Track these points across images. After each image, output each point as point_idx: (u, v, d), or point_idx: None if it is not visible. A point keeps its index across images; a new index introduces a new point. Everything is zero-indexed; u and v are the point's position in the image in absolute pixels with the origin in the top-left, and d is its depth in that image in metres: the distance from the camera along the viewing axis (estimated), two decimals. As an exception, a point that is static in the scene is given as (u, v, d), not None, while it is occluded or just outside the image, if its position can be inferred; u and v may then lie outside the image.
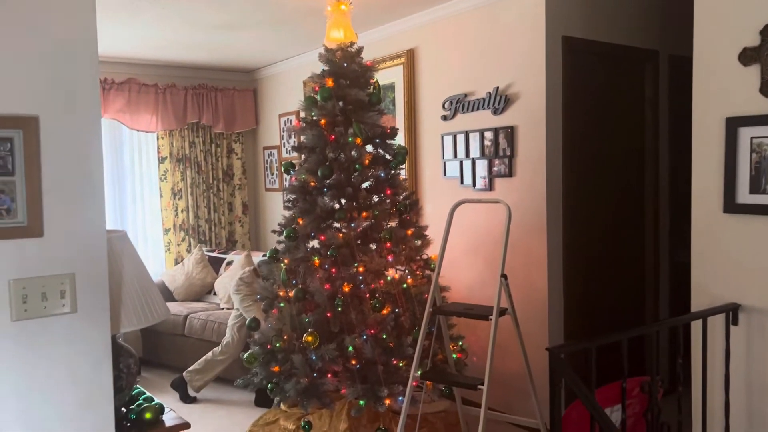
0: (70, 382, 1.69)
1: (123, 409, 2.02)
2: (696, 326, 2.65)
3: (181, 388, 4.48)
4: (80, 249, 1.69)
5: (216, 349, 4.49)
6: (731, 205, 2.57)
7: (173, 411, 2.11)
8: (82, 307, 1.70)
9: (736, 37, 2.54)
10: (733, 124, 2.55)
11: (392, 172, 3.59)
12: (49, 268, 1.65)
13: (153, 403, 2.05)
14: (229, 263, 5.58)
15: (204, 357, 4.47)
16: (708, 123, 2.66)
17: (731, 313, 2.57)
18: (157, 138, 5.90)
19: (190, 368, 4.46)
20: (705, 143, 2.68)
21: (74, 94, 1.67)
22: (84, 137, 1.69)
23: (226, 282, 5.27)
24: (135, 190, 5.85)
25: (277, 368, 3.42)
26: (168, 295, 5.54)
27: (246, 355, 3.54)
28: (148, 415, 1.99)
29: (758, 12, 2.47)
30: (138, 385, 2.20)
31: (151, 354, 5.27)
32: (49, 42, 1.62)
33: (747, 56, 2.50)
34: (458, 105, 4.09)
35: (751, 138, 2.49)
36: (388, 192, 3.54)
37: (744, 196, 2.53)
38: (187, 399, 4.47)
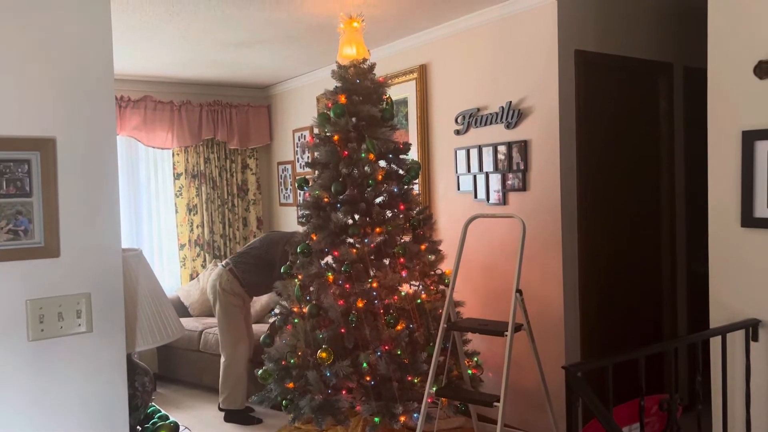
0: (86, 402, 1.70)
1: (138, 427, 2.02)
2: (715, 342, 2.61)
3: (234, 416, 4.37)
4: (96, 268, 1.71)
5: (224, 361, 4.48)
6: (749, 219, 2.54)
7: (188, 429, 2.11)
8: (97, 326, 1.71)
9: (751, 50, 2.52)
10: (749, 138, 2.52)
11: (405, 187, 3.59)
12: (66, 287, 1.66)
13: (168, 422, 2.05)
14: (244, 278, 5.59)
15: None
16: (724, 136, 2.63)
17: (751, 329, 2.53)
18: (173, 154, 5.95)
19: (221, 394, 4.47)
20: (721, 157, 2.66)
21: (91, 115, 1.69)
22: (100, 158, 1.71)
23: (241, 297, 5.28)
24: (151, 206, 5.90)
25: (291, 384, 3.42)
26: (183, 310, 5.56)
27: (260, 371, 3.54)
28: (162, 434, 1.99)
29: (773, 24, 2.45)
30: (153, 403, 2.20)
31: (166, 370, 5.29)
32: (65, 64, 1.65)
33: (763, 69, 2.48)
34: (471, 119, 4.09)
35: (769, 151, 2.46)
36: (402, 207, 3.55)
37: (762, 210, 2.50)
38: (250, 421, 4.37)
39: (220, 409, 4.45)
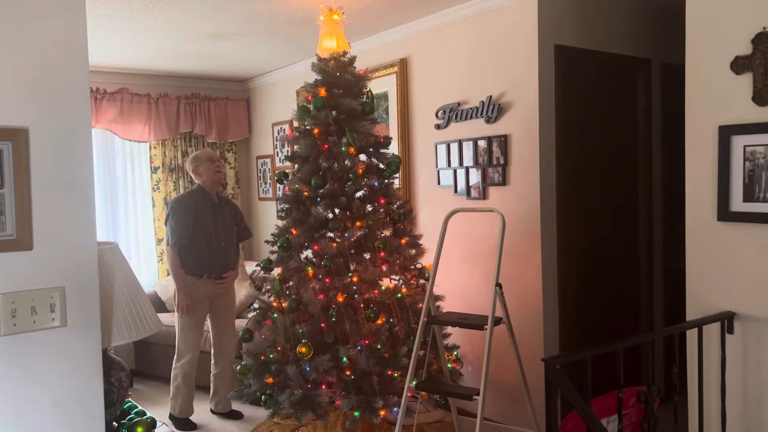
0: (60, 397, 1.66)
1: (114, 423, 1.99)
2: (691, 335, 2.65)
3: (174, 420, 4.25)
4: (70, 262, 1.67)
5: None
6: (725, 213, 2.58)
7: (165, 425, 2.09)
8: (72, 320, 1.68)
9: (728, 46, 2.55)
10: (726, 133, 2.55)
11: (386, 181, 3.58)
12: (39, 281, 1.62)
13: (144, 417, 2.02)
14: (223, 273, 5.54)
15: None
16: (701, 131, 2.66)
17: (726, 321, 2.57)
18: (150, 148, 5.87)
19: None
20: (698, 151, 2.69)
21: (64, 105, 1.65)
22: (74, 149, 1.67)
23: (220, 292, 5.23)
24: (127, 200, 5.82)
25: (270, 380, 3.39)
26: (160, 305, 5.50)
27: (239, 366, 3.51)
28: (139, 430, 1.95)
29: (750, 21, 2.48)
30: (129, 399, 2.17)
31: (143, 365, 5.22)
32: (38, 53, 1.61)
33: (739, 65, 2.51)
34: (452, 114, 4.09)
35: (744, 146, 2.50)
36: (382, 201, 3.53)
37: (738, 204, 2.53)
38: (234, 416, 4.32)
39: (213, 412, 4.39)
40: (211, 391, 4.37)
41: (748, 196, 2.50)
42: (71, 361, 1.68)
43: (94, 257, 1.71)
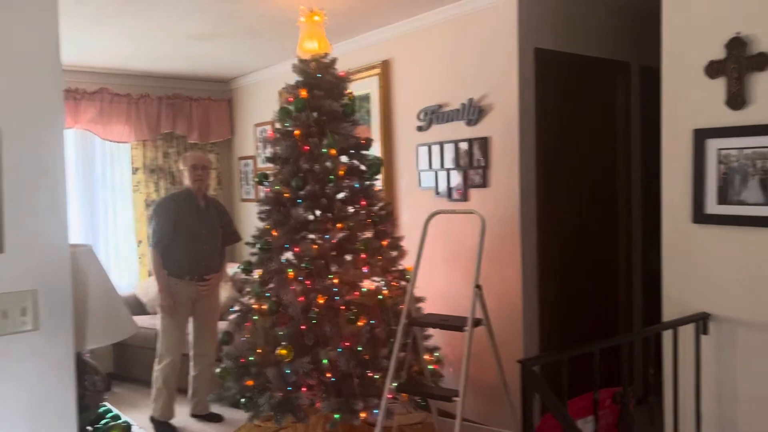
0: (32, 402, 1.64)
1: (89, 428, 1.97)
2: (667, 336, 2.68)
3: (154, 423, 4.21)
4: (43, 264, 1.65)
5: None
6: (700, 216, 2.61)
7: (143, 429, 2.07)
8: (44, 324, 1.66)
9: (702, 51, 2.58)
10: (700, 136, 2.59)
11: (367, 182, 3.58)
12: (11, 284, 1.60)
13: (120, 422, 2.01)
14: (204, 275, 5.51)
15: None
16: (676, 134, 2.70)
17: (701, 322, 2.60)
18: (130, 148, 5.82)
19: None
20: (674, 154, 2.72)
21: (37, 105, 1.63)
22: (47, 150, 1.65)
23: (201, 294, 5.20)
24: (107, 201, 5.76)
25: (250, 382, 3.37)
26: (140, 307, 5.45)
27: (219, 369, 3.49)
28: (114, 434, 1.94)
29: (724, 26, 2.51)
30: (106, 403, 2.15)
31: (122, 368, 5.17)
32: (9, 53, 1.59)
33: (713, 69, 2.54)
34: (433, 116, 4.10)
35: (718, 149, 2.53)
36: (363, 203, 3.53)
37: (712, 206, 2.57)
38: (214, 418, 4.29)
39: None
40: (190, 393, 4.33)
41: (722, 198, 2.53)
42: (43, 365, 1.66)
43: (67, 260, 1.70)
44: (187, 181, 4.21)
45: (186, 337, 4.24)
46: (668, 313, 2.75)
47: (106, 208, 5.76)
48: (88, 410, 1.93)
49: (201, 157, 4.34)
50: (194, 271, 4.12)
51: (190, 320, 4.24)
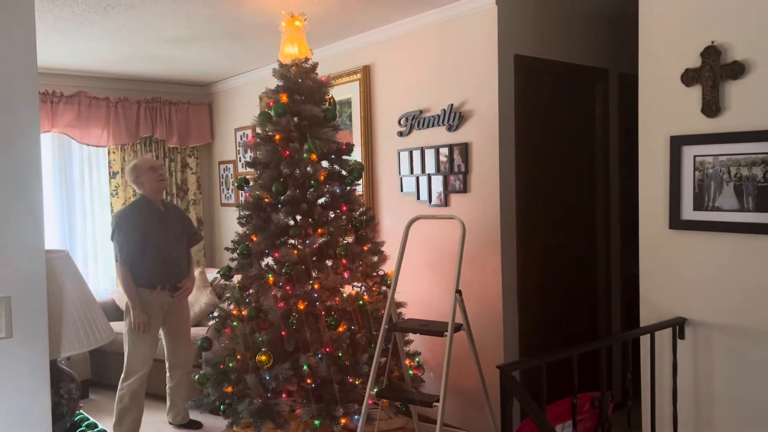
0: (6, 411, 1.61)
1: (63, 436, 1.94)
2: (645, 341, 2.71)
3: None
4: (17, 270, 1.62)
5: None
6: (676, 222, 2.65)
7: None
8: (18, 331, 1.63)
9: (678, 59, 2.62)
10: (677, 143, 2.63)
11: (348, 187, 3.58)
12: (-17, 291, 1.58)
13: (96, 430, 1.98)
14: (183, 280, 5.46)
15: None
16: (653, 141, 2.73)
17: (678, 327, 2.63)
18: (109, 152, 5.75)
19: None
20: (651, 161, 2.75)
21: (11, 109, 1.61)
22: (22, 154, 1.63)
23: (180, 300, 5.15)
24: (85, 205, 5.68)
25: (230, 389, 3.35)
26: (118, 313, 5.37)
27: (198, 375, 3.45)
28: (90, 443, 1.91)
29: (699, 35, 2.56)
30: (81, 410, 2.11)
31: (100, 375, 5.10)
32: (-16, 56, 1.56)
33: (689, 77, 2.58)
34: (414, 121, 4.11)
35: (694, 156, 2.57)
36: (344, 208, 3.53)
37: (688, 212, 2.60)
38: (193, 425, 4.21)
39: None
40: (168, 404, 4.24)
41: (698, 204, 2.57)
42: (16, 374, 1.63)
43: (41, 266, 1.67)
44: (145, 187, 3.98)
45: (156, 348, 4.04)
46: (646, 317, 2.79)
47: (84, 212, 5.68)
48: (63, 419, 1.91)
49: (153, 160, 4.23)
50: (167, 280, 3.96)
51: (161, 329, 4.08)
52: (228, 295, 3.55)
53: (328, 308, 3.36)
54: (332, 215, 3.52)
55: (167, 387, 4.21)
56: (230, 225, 6.05)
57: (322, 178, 3.44)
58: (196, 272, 5.32)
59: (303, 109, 3.45)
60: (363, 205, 3.72)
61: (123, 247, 3.87)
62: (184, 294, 4.11)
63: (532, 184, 3.80)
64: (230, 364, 3.35)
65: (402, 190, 4.27)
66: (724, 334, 2.55)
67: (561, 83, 3.99)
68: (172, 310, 4.05)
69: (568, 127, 4.05)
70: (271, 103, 3.51)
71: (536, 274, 3.85)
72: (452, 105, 3.84)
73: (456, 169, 3.84)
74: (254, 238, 3.43)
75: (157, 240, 3.93)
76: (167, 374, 4.20)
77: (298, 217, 3.46)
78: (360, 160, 4.33)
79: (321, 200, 3.50)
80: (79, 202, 5.65)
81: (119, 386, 3.93)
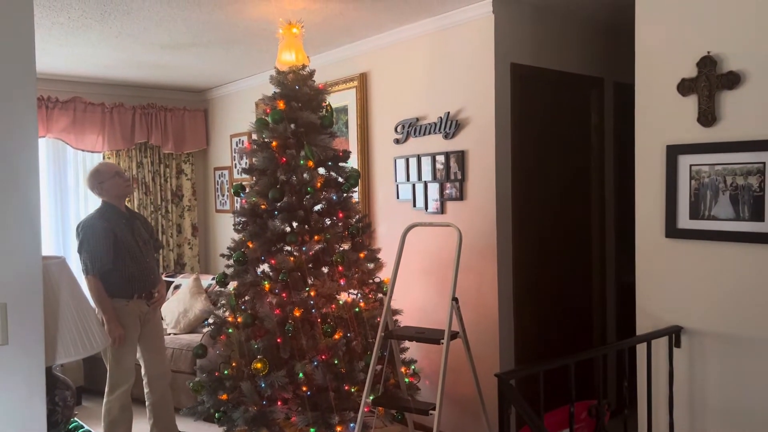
0: (0, 417, 1.60)
1: (58, 444, 1.92)
2: (641, 349, 2.71)
3: None
4: (13, 277, 1.61)
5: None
6: (672, 230, 2.65)
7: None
8: (14, 338, 1.62)
9: (675, 68, 2.64)
10: (673, 152, 2.64)
11: (344, 194, 3.57)
12: (-21, 297, 1.56)
13: (90, 438, 1.96)
14: (177, 287, 5.44)
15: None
16: (649, 150, 2.75)
17: (674, 335, 2.64)
18: (104, 158, 5.73)
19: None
20: (647, 170, 2.77)
21: (9, 114, 1.60)
22: (19, 160, 1.62)
23: (174, 306, 5.13)
24: (79, 211, 5.65)
25: (225, 396, 3.33)
26: (112, 320, 5.34)
27: (192, 383, 3.43)
28: (84, 451, 1.90)
29: (695, 45, 2.57)
30: (76, 418, 2.10)
31: (93, 383, 5.06)
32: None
33: (685, 87, 2.60)
34: (410, 129, 4.11)
35: (690, 165, 2.59)
36: (341, 215, 3.53)
37: (684, 221, 2.61)
38: None
39: None
40: (152, 420, 3.93)
41: (694, 213, 2.58)
42: (12, 381, 1.61)
43: (38, 272, 1.66)
44: (109, 194, 3.83)
45: (136, 357, 3.87)
46: (642, 325, 2.79)
47: (78, 218, 5.63)
48: (57, 426, 1.89)
49: (116, 165, 4.13)
50: (143, 287, 3.79)
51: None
52: (223, 301, 3.54)
53: (324, 315, 3.35)
54: (329, 222, 3.51)
55: (148, 402, 3.95)
56: (225, 231, 6.03)
57: (318, 185, 3.44)
58: (191, 278, 5.31)
59: (300, 116, 3.45)
60: (359, 212, 3.72)
61: (95, 257, 3.65)
62: (160, 301, 3.94)
63: (528, 192, 3.81)
64: (225, 372, 3.34)
65: (398, 198, 4.27)
66: (720, 343, 2.55)
67: (557, 92, 4.01)
68: (147, 320, 3.86)
69: (563, 135, 4.06)
70: (268, 110, 3.51)
71: (532, 281, 3.85)
72: (449, 113, 3.85)
73: (452, 177, 3.85)
74: (250, 245, 3.42)
75: (128, 247, 3.75)
76: (146, 389, 3.95)
77: (295, 224, 3.46)
78: (356, 167, 4.34)
79: (317, 207, 3.50)
80: (74, 207, 5.62)
81: (105, 399, 3.77)
